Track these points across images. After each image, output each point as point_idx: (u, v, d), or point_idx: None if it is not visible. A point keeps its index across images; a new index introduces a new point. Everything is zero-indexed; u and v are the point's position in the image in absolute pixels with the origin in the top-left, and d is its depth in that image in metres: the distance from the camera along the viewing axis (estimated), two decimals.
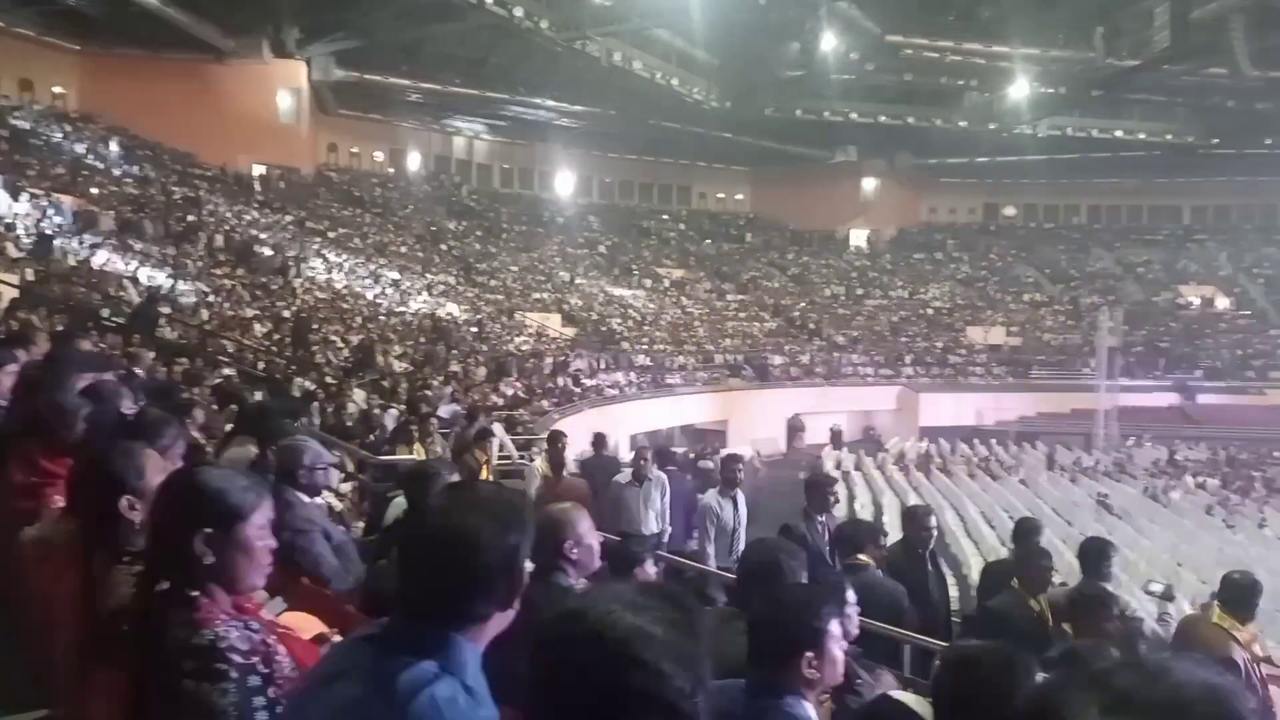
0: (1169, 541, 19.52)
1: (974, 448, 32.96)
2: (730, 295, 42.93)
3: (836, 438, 34.04)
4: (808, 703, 2.22)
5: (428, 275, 30.80)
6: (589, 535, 3.17)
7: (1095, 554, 4.75)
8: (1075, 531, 18.54)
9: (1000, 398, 37.68)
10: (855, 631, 3.52)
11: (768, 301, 43.26)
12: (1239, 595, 3.99)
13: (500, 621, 1.52)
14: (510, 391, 21.53)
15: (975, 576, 11.43)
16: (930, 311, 44.97)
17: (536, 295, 34.30)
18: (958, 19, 33.00)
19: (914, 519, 5.49)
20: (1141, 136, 41.39)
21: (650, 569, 4.10)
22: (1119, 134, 41.08)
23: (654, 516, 8.19)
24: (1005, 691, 1.96)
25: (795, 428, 34.49)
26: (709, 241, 48.76)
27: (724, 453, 9.43)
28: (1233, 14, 26.02)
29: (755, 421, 32.31)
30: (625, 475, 8.43)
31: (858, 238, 51.98)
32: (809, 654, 2.21)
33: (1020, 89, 35.00)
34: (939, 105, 39.81)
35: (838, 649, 2.30)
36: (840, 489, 24.20)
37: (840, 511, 20.11)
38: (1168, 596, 4.88)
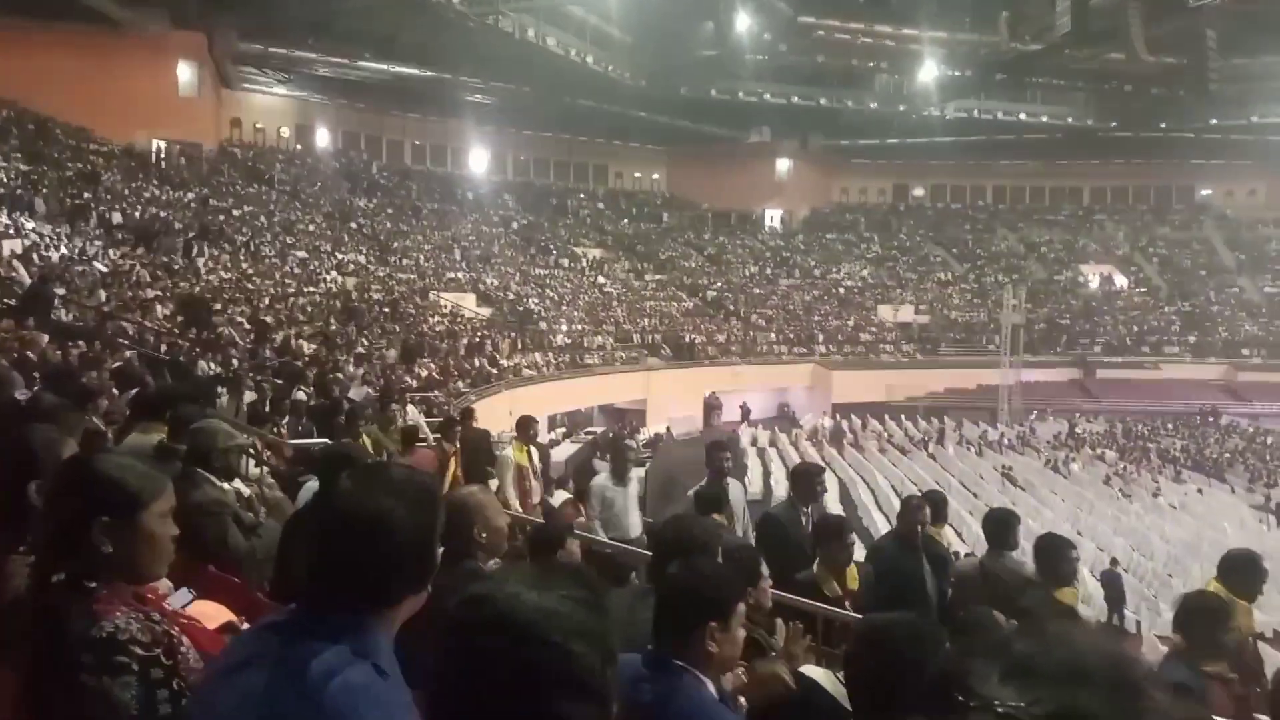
0: (1069, 511, 20.35)
1: (884, 423, 33.77)
2: (648, 275, 43.03)
3: (745, 414, 34.47)
4: (707, 680, 2.19)
5: (337, 254, 30.12)
6: (498, 519, 3.13)
7: (1000, 525, 4.90)
8: (981, 503, 19.16)
9: (910, 374, 38.66)
10: (768, 604, 3.57)
11: (685, 281, 43.49)
12: (1242, 572, 4.12)
13: (413, 605, 1.48)
14: (425, 373, 21.25)
15: None
16: (842, 291, 45.79)
17: (451, 275, 33.85)
18: (868, 2, 33.50)
19: (906, 509, 5.10)
20: (1044, 119, 42.73)
21: (574, 549, 4.09)
22: (1023, 117, 42.34)
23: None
24: (914, 662, 1.99)
25: (712, 406, 34.82)
26: (626, 221, 48.75)
27: (710, 440, 8.13)
28: (1130, 1, 26.96)
29: (673, 400, 32.55)
30: (607, 478, 7.07)
31: (772, 218, 52.56)
32: (713, 624, 2.19)
33: (928, 72, 35.75)
34: (850, 87, 40.42)
35: (740, 630, 2.29)
36: (755, 463, 24.63)
37: (756, 486, 20.45)
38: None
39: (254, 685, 1.35)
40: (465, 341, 25.98)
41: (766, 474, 23.68)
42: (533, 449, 8.18)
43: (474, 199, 44.22)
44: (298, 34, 34.49)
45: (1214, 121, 40.68)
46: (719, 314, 40.88)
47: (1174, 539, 18.74)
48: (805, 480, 5.85)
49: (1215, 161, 50.23)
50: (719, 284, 44.07)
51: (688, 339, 36.37)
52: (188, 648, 1.75)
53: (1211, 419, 35.38)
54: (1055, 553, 4.83)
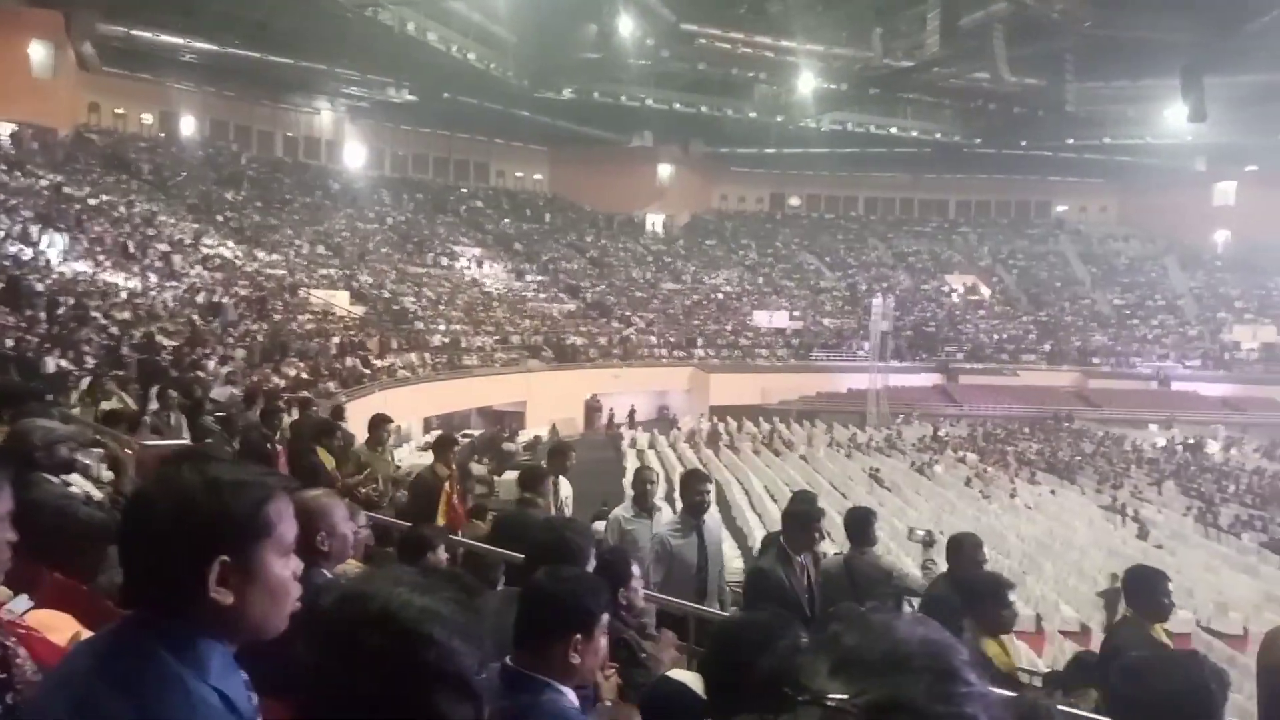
0: (933, 511, 21.12)
1: (759, 425, 34.41)
2: (530, 276, 42.72)
3: (632, 417, 34.75)
4: (567, 690, 2.15)
5: (202, 248, 28.84)
6: (343, 524, 2.98)
7: (860, 523, 5.07)
8: (850, 503, 19.67)
9: (784, 378, 39.51)
10: (640, 604, 3.56)
11: (567, 282, 43.37)
12: (1146, 593, 3.96)
13: None
14: (294, 373, 20.55)
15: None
16: (721, 296, 46.50)
17: (323, 271, 32.84)
18: (749, 12, 34.05)
19: (961, 549, 4.50)
20: (913, 134, 44.24)
21: (442, 555, 3.99)
22: (894, 130, 43.74)
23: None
24: (750, 660, 1.96)
25: (593, 408, 34.88)
26: (508, 220, 48.28)
27: (688, 471, 7.08)
28: (995, 24, 28.23)
29: (554, 402, 32.39)
30: (628, 509, 5.86)
31: (654, 222, 52.97)
32: (576, 636, 2.15)
33: (806, 83, 36.57)
34: (731, 95, 41.01)
35: (603, 640, 2.26)
36: (634, 464, 24.69)
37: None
38: (929, 542, 5.25)
39: (74, 701, 1.23)
40: (337, 340, 25.24)
41: None
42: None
43: (349, 194, 43.04)
44: (163, 17, 32.88)
45: (1070, 140, 42.89)
46: (601, 316, 40.91)
47: (1028, 537, 19.68)
48: (800, 524, 4.78)
49: (1070, 179, 53.19)
50: (601, 286, 44.12)
51: (569, 341, 36.27)
52: (25, 659, 1.62)
53: (1065, 424, 37.32)
54: (863, 523, 5.16)
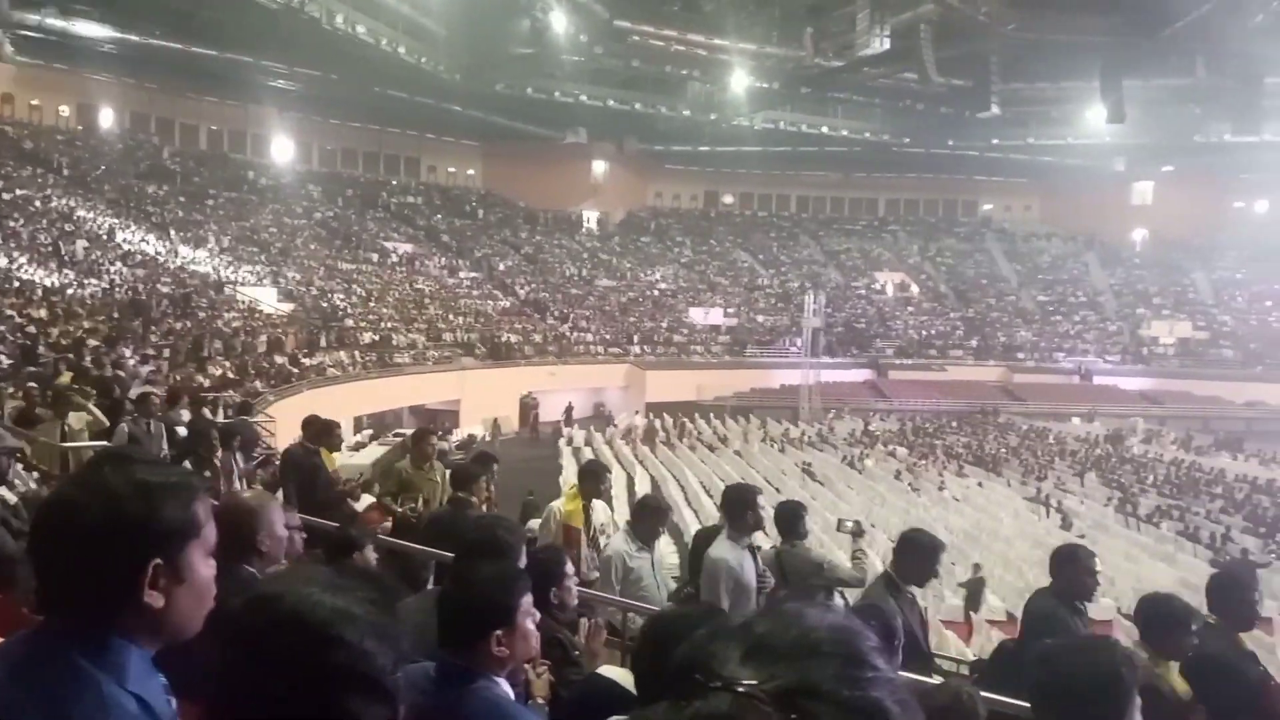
0: (864, 504, 21.41)
1: (694, 421, 34.56)
2: (463, 272, 42.30)
3: (569, 415, 34.59)
4: (500, 680, 2.15)
5: (123, 244, 27.97)
6: (279, 526, 2.93)
7: (791, 517, 5.11)
8: (783, 497, 19.83)
9: (718, 375, 39.77)
10: (573, 603, 3.52)
11: (501, 279, 43.05)
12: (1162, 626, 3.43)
13: None
14: (218, 371, 20.04)
15: None
16: (656, 293, 46.61)
17: (249, 268, 32.09)
18: (682, 9, 34.15)
19: (1074, 560, 4.10)
20: (844, 133, 44.81)
21: (370, 555, 3.91)
22: (825, 130, 44.25)
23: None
24: (669, 650, 1.96)
25: (529, 406, 34.65)
26: (440, 216, 47.75)
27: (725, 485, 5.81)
28: (922, 24, 28.73)
29: (489, 400, 32.11)
30: (628, 541, 5.15)
31: (589, 219, 52.87)
32: (497, 632, 2.13)
33: (739, 82, 36.81)
34: (664, 93, 41.10)
35: (530, 624, 2.25)
36: (570, 462, 24.61)
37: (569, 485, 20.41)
38: (858, 533, 5.29)
39: None
40: (264, 338, 24.69)
41: None
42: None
43: (276, 189, 42.15)
44: (82, 6, 31.78)
45: (995, 141, 43.87)
46: (536, 313, 40.70)
47: (956, 529, 20.06)
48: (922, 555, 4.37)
49: (996, 178, 54.47)
50: (536, 283, 43.90)
51: (504, 338, 36.00)
52: None
53: (991, 417, 38.18)
54: (793, 517, 5.12)
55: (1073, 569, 4.04)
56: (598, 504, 5.89)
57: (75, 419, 8.50)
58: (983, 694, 2.72)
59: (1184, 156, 45.25)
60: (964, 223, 57.80)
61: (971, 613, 14.81)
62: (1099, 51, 28.40)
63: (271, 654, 1.08)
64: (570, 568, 3.53)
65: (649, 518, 5.21)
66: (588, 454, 28.13)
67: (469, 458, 6.49)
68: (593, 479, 5.99)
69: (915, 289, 51.16)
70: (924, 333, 46.60)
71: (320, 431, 7.78)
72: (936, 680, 3.56)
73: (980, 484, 25.69)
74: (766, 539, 6.07)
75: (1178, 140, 40.62)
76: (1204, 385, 41.06)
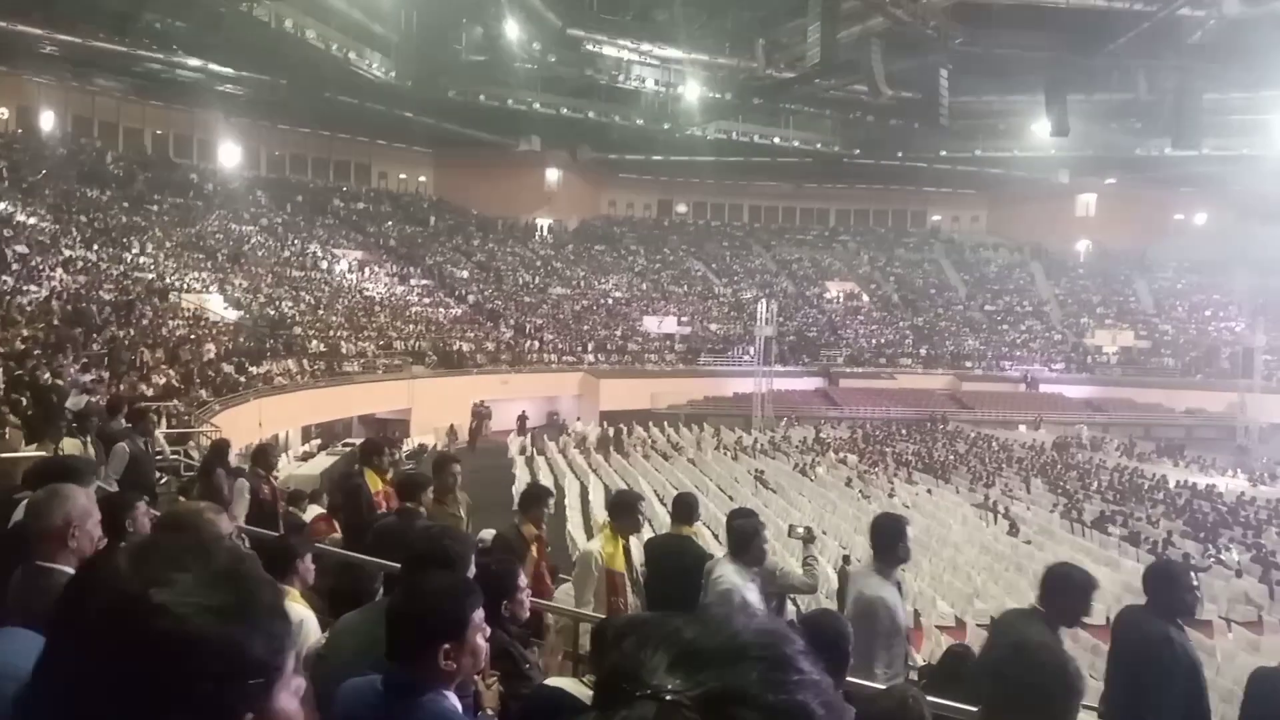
0: (815, 511, 21.56)
1: (648, 430, 34.59)
2: (414, 280, 41.92)
3: (522, 423, 34.38)
4: (449, 692, 2.13)
5: (64, 250, 27.30)
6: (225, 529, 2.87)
7: (543, 488, 5.13)
8: (736, 504, 19.90)
9: (672, 383, 39.87)
10: (525, 615, 3.49)
11: (454, 287, 42.75)
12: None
13: None
14: (163, 380, 19.65)
15: None
16: (610, 301, 46.61)
17: (194, 275, 31.50)
18: (635, 19, 34.22)
19: (1171, 578, 3.91)
20: (796, 144, 45.19)
21: (309, 564, 3.83)
22: (776, 140, 44.59)
23: None
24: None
25: (481, 415, 34.39)
26: (391, 223, 47.30)
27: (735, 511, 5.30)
28: (872, 38, 29.08)
29: (440, 409, 31.83)
30: (735, 568, 4.73)
31: (542, 227, 52.76)
32: (445, 646, 2.11)
33: (692, 92, 37.00)
34: (618, 102, 41.15)
35: (479, 639, 2.23)
36: (523, 471, 24.48)
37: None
38: (809, 539, 5.31)
39: None
40: (210, 347, 24.26)
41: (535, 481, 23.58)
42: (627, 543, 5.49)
43: (222, 195, 41.45)
44: (19, 6, 30.97)
45: (944, 153, 44.51)
46: (488, 321, 40.46)
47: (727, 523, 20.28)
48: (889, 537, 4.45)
49: (944, 190, 55.41)
50: (489, 291, 43.66)
51: (455, 346, 35.72)
52: None
53: (939, 425, 38.69)
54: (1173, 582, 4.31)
55: (1174, 586, 3.82)
56: (633, 541, 5.36)
57: (70, 446, 8.10)
58: (929, 698, 2.74)
59: (1126, 169, 46.33)
60: (913, 233, 58.65)
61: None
62: (1044, 66, 29.00)
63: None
64: (524, 580, 3.49)
65: (748, 542, 4.81)
66: (541, 463, 28.01)
67: (431, 463, 6.20)
68: (628, 512, 5.30)
69: (865, 298, 51.75)
70: (874, 341, 47.15)
71: (368, 450, 7.50)
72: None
73: (929, 491, 25.99)
74: (720, 547, 6.06)
75: (1120, 154, 41.55)
76: (1145, 393, 42.01)
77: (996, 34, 29.41)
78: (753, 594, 4.68)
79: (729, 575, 4.63)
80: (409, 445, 28.43)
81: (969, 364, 45.80)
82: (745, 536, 4.79)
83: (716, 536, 13.50)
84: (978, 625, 14.35)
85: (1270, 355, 40.25)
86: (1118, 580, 18.05)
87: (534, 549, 5.44)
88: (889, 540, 4.53)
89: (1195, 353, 44.64)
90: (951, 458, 31.62)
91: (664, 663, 0.74)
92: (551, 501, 6.06)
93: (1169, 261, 52.39)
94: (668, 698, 0.72)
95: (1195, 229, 52.88)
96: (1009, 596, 15.77)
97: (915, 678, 5.65)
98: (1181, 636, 3.61)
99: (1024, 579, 17.57)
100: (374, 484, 6.63)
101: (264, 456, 7.65)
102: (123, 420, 9.95)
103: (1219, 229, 50.50)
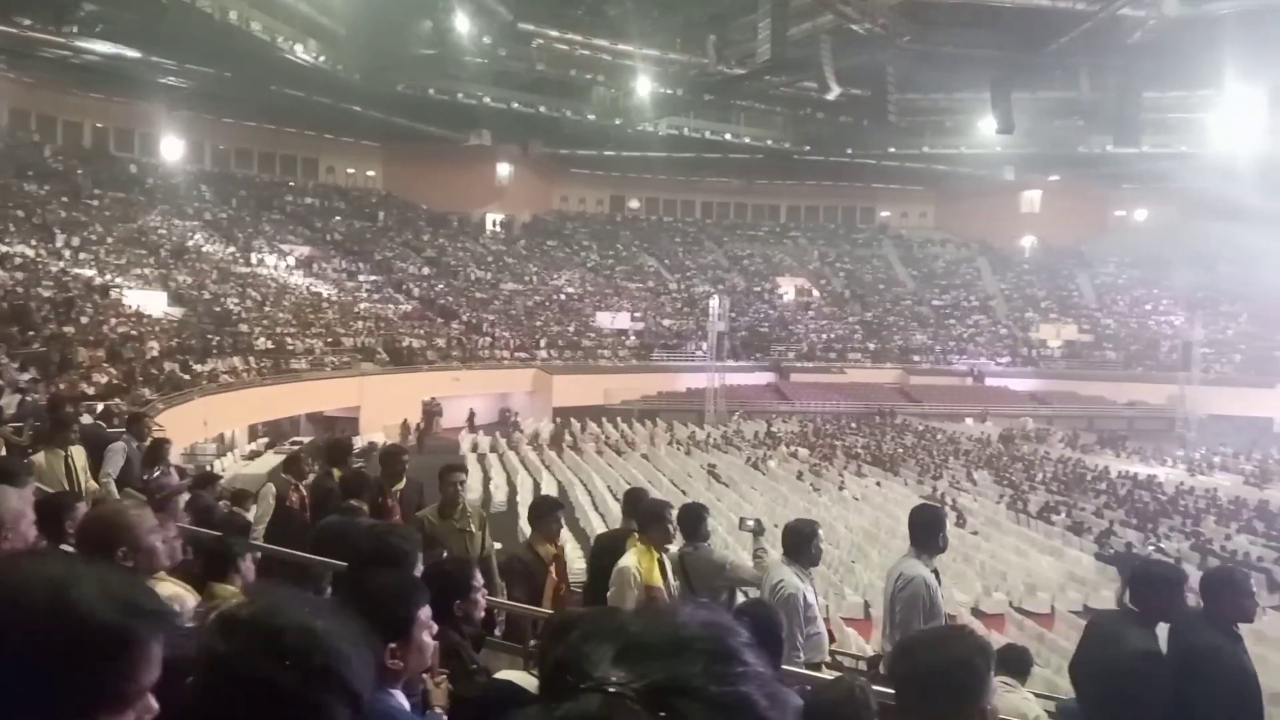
0: (767, 504, 21.71)
1: (602, 426, 34.57)
2: (363, 275, 41.42)
3: (471, 420, 34.15)
4: (395, 691, 2.10)
5: (1, 246, 26.54)
6: (148, 539, 2.77)
7: (693, 519, 5.11)
8: (688, 499, 19.97)
9: (625, 378, 39.85)
10: (479, 616, 3.46)
11: (403, 283, 42.32)
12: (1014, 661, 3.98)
13: None
14: (104, 379, 19.21)
15: None
16: (563, 297, 46.47)
17: (137, 271, 30.82)
18: (586, 14, 34.09)
19: (1232, 584, 3.66)
20: (747, 140, 45.35)
21: (249, 567, 3.77)
22: (728, 136, 44.73)
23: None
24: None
25: (432, 412, 34.09)
26: (339, 218, 46.68)
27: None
28: (822, 35, 29.31)
29: (390, 407, 31.49)
30: (790, 569, 4.82)
31: (493, 222, 52.43)
32: (392, 645, 2.08)
33: (643, 87, 36.96)
34: (569, 97, 40.96)
35: (426, 636, 2.21)
36: (475, 469, 24.32)
37: (475, 494, 20.16)
38: (759, 531, 5.34)
39: None
40: (153, 345, 23.76)
41: (486, 479, 23.49)
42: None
43: (165, 189, 40.58)
44: None
45: (892, 150, 44.96)
46: (439, 317, 40.11)
47: (856, 528, 20.51)
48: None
49: (893, 186, 56.03)
50: (439, 286, 43.30)
51: (405, 343, 35.37)
52: None
53: (888, 418, 39.16)
54: (695, 518, 4.98)
55: (1232, 592, 3.64)
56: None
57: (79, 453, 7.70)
58: (876, 688, 2.78)
59: (1069, 166, 47.23)
60: (862, 229, 59.27)
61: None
62: (990, 65, 29.44)
63: (256, 678, 1.09)
64: (479, 580, 3.47)
65: (806, 544, 4.86)
66: (493, 461, 27.85)
67: (378, 457, 5.99)
68: (656, 521, 4.94)
69: (816, 293, 52.19)
70: (824, 336, 47.58)
71: (334, 450, 7.33)
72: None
73: (878, 483, 26.31)
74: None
75: (1063, 151, 42.29)
76: (1088, 386, 42.91)
77: (943, 32, 29.77)
78: (811, 595, 4.78)
79: (789, 580, 4.68)
80: (359, 443, 28.07)
81: (917, 358, 46.42)
82: (803, 538, 4.85)
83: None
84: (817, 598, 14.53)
85: (1208, 348, 41.33)
86: (1062, 569, 18.47)
87: (553, 570, 4.99)
88: (930, 530, 4.65)
89: (1136, 346, 45.68)
90: (900, 450, 32.05)
91: (609, 655, 0.75)
92: (562, 514, 5.60)
93: (1111, 257, 53.54)
94: (612, 690, 0.72)
95: (1136, 225, 54.13)
96: (956, 586, 16.05)
97: (865, 668, 5.73)
98: (1236, 647, 3.50)
99: (971, 569, 17.90)
100: None
101: (295, 465, 7.09)
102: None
103: (1159, 225, 51.74)
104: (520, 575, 5.22)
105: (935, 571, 4.66)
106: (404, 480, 6.15)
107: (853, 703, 2.53)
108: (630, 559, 4.75)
